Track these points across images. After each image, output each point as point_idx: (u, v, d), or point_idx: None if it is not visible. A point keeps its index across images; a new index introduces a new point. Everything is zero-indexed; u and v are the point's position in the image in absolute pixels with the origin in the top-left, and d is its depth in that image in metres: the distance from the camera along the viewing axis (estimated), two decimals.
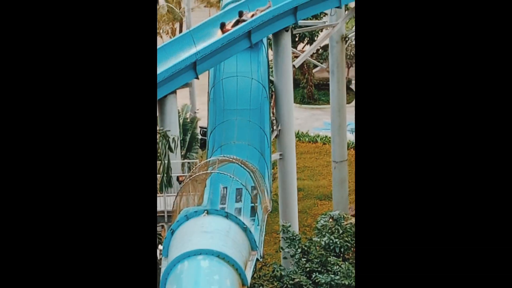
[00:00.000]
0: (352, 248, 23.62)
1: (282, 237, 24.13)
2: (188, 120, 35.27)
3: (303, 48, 48.46)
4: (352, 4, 33.03)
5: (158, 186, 22.49)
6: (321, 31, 40.19)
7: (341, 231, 23.43)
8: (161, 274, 17.60)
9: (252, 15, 26.65)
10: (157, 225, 23.29)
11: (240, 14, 26.66)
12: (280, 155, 28.40)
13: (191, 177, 22.22)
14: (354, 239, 23.70)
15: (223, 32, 26.04)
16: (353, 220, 26.61)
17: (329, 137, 38.36)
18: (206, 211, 19.13)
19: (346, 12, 33.11)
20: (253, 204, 22.73)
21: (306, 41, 48.53)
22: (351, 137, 41.20)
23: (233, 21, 26.63)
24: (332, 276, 20.95)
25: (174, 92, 24.69)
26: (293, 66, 29.87)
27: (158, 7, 56.71)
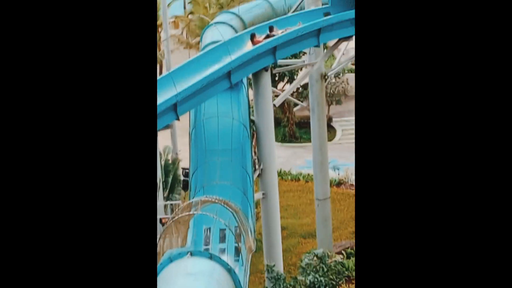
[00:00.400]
0: (336, 286, 23.58)
1: (267, 277, 24.05)
2: (170, 162, 35.28)
3: (283, 87, 48.67)
4: (331, 43, 33.27)
5: None
6: (301, 69, 40.36)
7: (325, 269, 23.41)
8: None
9: (282, 32, 27.32)
10: None
11: (271, 29, 27.27)
12: (263, 194, 28.37)
13: (174, 219, 22.13)
14: (339, 277, 23.69)
15: (253, 43, 26.38)
16: (337, 257, 26.62)
17: (311, 175, 38.39)
18: (189, 253, 19.07)
19: (325, 50, 33.37)
20: (237, 244, 22.63)
21: (286, 80, 48.79)
22: (333, 174, 41.33)
23: (264, 34, 27.06)
24: None
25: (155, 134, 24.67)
26: (274, 105, 29.89)
27: None
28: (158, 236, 22.15)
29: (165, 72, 34.79)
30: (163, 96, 24.50)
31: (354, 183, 42.43)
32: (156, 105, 20.79)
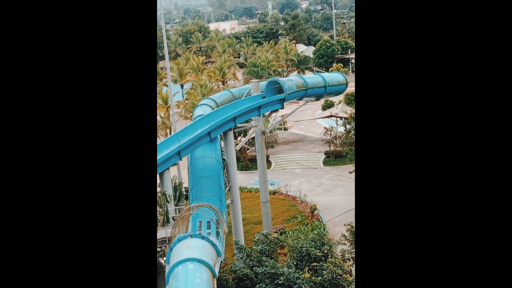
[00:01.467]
0: (275, 251, 23.53)
1: (235, 247, 23.94)
2: (177, 184, 34.94)
3: (240, 139, 48.79)
4: (267, 113, 33.44)
5: (160, 223, 22.19)
6: (250, 129, 40.60)
7: (268, 242, 23.37)
8: (166, 274, 17.29)
9: None
10: (163, 245, 22.92)
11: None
12: (231, 200, 28.36)
13: (180, 216, 22.00)
14: (276, 246, 23.65)
15: None
16: (275, 235, 26.57)
17: (258, 188, 38.46)
18: (190, 236, 18.96)
19: (263, 117, 33.58)
20: (217, 230, 22.54)
21: (242, 135, 48.99)
22: (270, 187, 41.28)
23: None
24: (265, 268, 20.82)
25: (168, 168, 24.63)
26: (235, 149, 30.12)
27: (156, 120, 56.76)
28: (172, 228, 21.95)
29: (172, 133, 34.76)
30: (171, 147, 24.56)
31: (283, 192, 42.47)
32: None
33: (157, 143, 25.01)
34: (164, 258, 20.63)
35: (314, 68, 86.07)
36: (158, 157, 23.54)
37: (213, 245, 18.90)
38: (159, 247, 22.98)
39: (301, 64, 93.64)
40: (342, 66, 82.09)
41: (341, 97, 54.81)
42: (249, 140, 48.70)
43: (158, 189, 24.03)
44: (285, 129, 59.98)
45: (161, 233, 22.86)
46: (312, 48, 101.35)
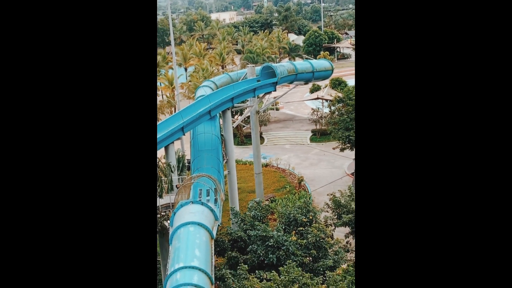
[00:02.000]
0: (266, 217, 23.61)
1: (231, 213, 24.02)
2: (180, 156, 34.83)
3: (237, 117, 48.55)
4: (261, 95, 33.23)
5: (165, 190, 22.17)
6: (246, 109, 40.40)
7: (260, 208, 23.42)
8: (170, 235, 17.31)
9: None
10: (167, 210, 22.94)
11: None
12: (228, 171, 28.33)
13: (183, 185, 21.98)
14: (267, 212, 23.70)
15: None
16: (266, 202, 26.63)
17: (252, 161, 38.38)
18: (191, 202, 18.95)
19: (257, 98, 33.36)
20: (215, 197, 22.58)
21: (238, 114, 48.77)
22: (263, 161, 41.25)
23: None
24: (257, 231, 20.91)
25: (173, 142, 24.52)
26: (232, 126, 29.98)
27: (162, 100, 56.33)
28: (175, 195, 21.92)
29: (177, 111, 34.54)
30: (176, 123, 24.39)
31: (274, 165, 42.47)
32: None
33: (163, 120, 24.86)
34: (168, 222, 20.66)
35: (304, 55, 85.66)
36: (164, 132, 23.40)
37: (212, 210, 18.93)
38: (163, 212, 23.01)
39: (292, 52, 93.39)
40: (329, 54, 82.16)
41: (327, 81, 54.60)
42: (244, 118, 48.35)
43: (164, 161, 23.93)
44: (277, 109, 59.82)
45: (166, 199, 22.87)
46: (302, 38, 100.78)
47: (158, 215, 22.30)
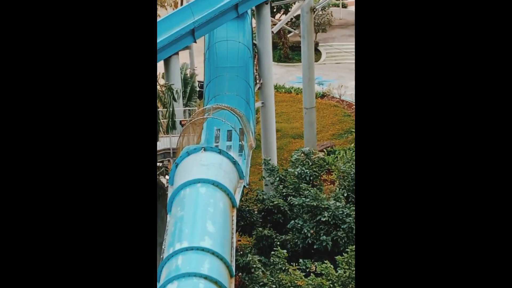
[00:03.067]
0: (319, 177, 23.77)
1: (264, 169, 24.22)
2: (188, 76, 34.95)
3: (279, 17, 47.95)
4: None
5: (163, 129, 22.48)
6: (294, 3, 39.75)
7: (310, 163, 23.56)
8: (168, 198, 17.69)
9: None
10: (165, 159, 23.34)
11: None
12: (262, 103, 28.35)
13: (191, 121, 22.22)
14: (321, 169, 23.86)
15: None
16: (320, 154, 26.75)
17: (301, 89, 38.22)
18: (203, 148, 19.15)
19: None
20: (240, 143, 22.76)
21: (282, 12, 48.14)
22: (318, 88, 41.09)
23: None
24: (304, 199, 21.09)
25: (177, 53, 24.55)
26: (272, 32, 29.68)
27: None
28: (178, 137, 22.24)
29: (185, 3, 34.24)
30: (183, 23, 24.29)
31: (335, 96, 42.28)
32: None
33: (163, 17, 24.80)
34: (167, 177, 21.03)
35: None
36: (163, 37, 23.38)
37: (234, 163, 19.12)
38: (160, 161, 23.41)
39: None
40: None
41: None
42: (291, 19, 47.84)
43: (162, 82, 24.07)
44: (344, 6, 58.52)
45: (164, 142, 23.18)
46: None
47: None
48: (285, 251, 19.03)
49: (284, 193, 22.15)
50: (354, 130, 37.63)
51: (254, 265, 18.62)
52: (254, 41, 28.46)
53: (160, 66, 25.07)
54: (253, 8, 28.20)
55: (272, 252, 19.14)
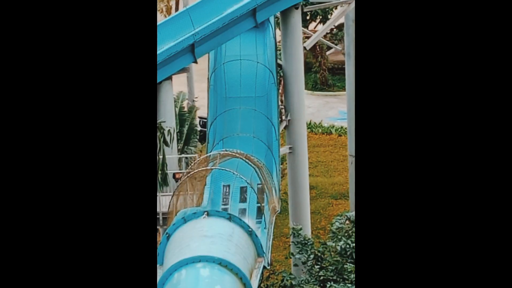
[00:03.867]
0: None
1: (293, 242, 24.21)
2: (186, 110, 35.43)
3: (315, 27, 48.54)
4: None
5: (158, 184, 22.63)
6: (336, 8, 40.17)
7: None
8: (157, 284, 17.64)
9: None
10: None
11: None
12: (290, 148, 28.46)
13: (189, 174, 22.25)
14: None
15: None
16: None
17: (345, 128, 38.44)
18: (206, 213, 19.19)
19: None
20: (259, 204, 22.74)
21: (319, 19, 48.66)
22: None
23: None
24: (349, 285, 21.03)
25: (170, 78, 24.74)
26: (304, 48, 29.87)
27: None
28: (171, 196, 22.30)
29: (182, 8, 34.65)
30: (179, 36, 24.54)
31: None
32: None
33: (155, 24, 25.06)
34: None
35: None
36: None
37: (251, 233, 19.14)
38: None
39: None
40: None
41: None
42: (332, 29, 48.31)
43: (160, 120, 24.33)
44: None
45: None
46: None
47: None
48: None
49: (322, 277, 22.12)
50: None
51: None
52: (279, 61, 28.65)
53: None
54: (278, 15, 28.45)
55: None
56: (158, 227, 23.12)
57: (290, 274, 22.98)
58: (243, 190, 23.34)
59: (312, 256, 22.92)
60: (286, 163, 29.64)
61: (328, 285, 21.58)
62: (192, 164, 23.94)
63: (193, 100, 39.33)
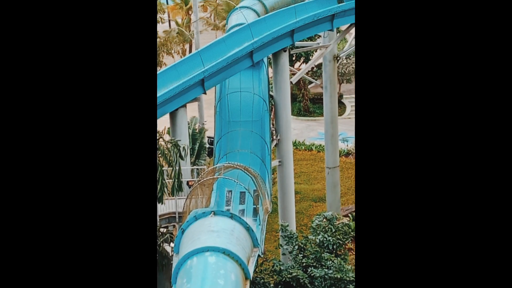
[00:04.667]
0: (343, 245, 23.59)
1: (281, 235, 24.08)
2: (197, 131, 35.31)
3: (299, 66, 48.54)
4: (343, 27, 33.04)
5: (169, 190, 22.51)
6: (316, 51, 40.22)
7: (334, 230, 23.42)
8: (173, 269, 17.60)
9: None
10: (169, 224, 23.30)
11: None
12: (279, 161, 28.41)
13: (199, 182, 22.21)
14: (345, 237, 23.69)
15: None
16: (344, 220, 26.62)
17: (323, 146, 38.45)
18: (213, 212, 19.12)
19: (338, 34, 33.16)
20: (255, 206, 22.69)
21: (302, 60, 48.73)
22: (342, 145, 41.26)
23: None
24: (326, 270, 20.93)
25: (184, 106, 24.71)
26: (291, 82, 29.90)
27: (170, 30, 56.91)
28: (185, 199, 22.26)
29: (194, 51, 34.73)
30: (192, 72, 24.54)
31: None
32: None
33: (170, 65, 25.05)
34: (172, 245, 20.99)
35: None
36: (170, 87, 23.59)
37: (248, 229, 19.06)
38: (164, 227, 23.38)
39: None
40: None
41: None
42: (313, 68, 48.38)
43: (167, 138, 24.25)
44: None
45: (169, 205, 23.20)
46: None
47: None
48: None
49: (304, 264, 21.98)
50: None
51: None
52: (270, 93, 28.67)
53: (166, 120, 25.27)
54: (270, 56, 28.51)
55: None
56: (175, 223, 23.05)
57: (279, 261, 22.87)
58: (242, 195, 23.26)
59: (296, 247, 22.82)
60: (276, 173, 29.57)
61: (309, 270, 21.50)
62: (202, 174, 23.89)
63: (203, 123, 39.21)
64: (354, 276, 20.38)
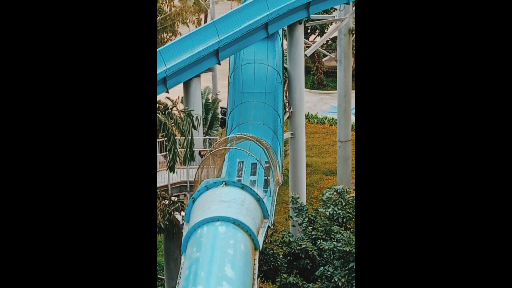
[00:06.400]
0: (353, 219, 23.58)
1: (291, 207, 24.14)
2: (210, 101, 35.19)
3: (314, 39, 48.23)
4: None
5: (181, 159, 22.54)
6: (331, 24, 39.95)
7: (344, 203, 23.39)
8: (183, 238, 17.67)
9: None
10: (181, 193, 23.36)
11: None
12: (292, 134, 28.38)
13: (211, 152, 22.24)
14: (355, 211, 23.69)
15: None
16: (354, 194, 26.57)
17: (336, 119, 38.28)
18: (224, 183, 19.16)
19: (354, 8, 32.89)
20: (266, 177, 22.72)
21: (317, 33, 48.37)
22: (355, 119, 41.12)
23: None
24: (335, 243, 20.92)
25: (198, 76, 24.71)
26: (305, 55, 29.83)
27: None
28: (197, 168, 22.30)
29: (209, 21, 34.54)
30: (206, 42, 24.50)
31: None
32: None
33: (184, 35, 25.00)
34: (183, 213, 21.06)
35: None
36: (184, 56, 23.58)
37: (258, 200, 19.10)
38: (175, 195, 23.43)
39: None
40: None
41: None
42: (327, 41, 48.08)
43: (180, 107, 24.24)
44: None
45: (180, 174, 23.24)
46: None
47: (166, 201, 22.76)
48: None
49: (313, 236, 22.00)
50: None
51: None
52: (284, 65, 28.58)
53: (180, 90, 25.24)
54: (285, 28, 28.38)
55: None
56: (186, 192, 23.10)
57: (289, 232, 22.92)
58: (253, 166, 23.31)
59: (306, 219, 22.84)
60: (288, 146, 29.56)
61: (318, 242, 21.53)
62: (214, 144, 23.91)
63: (216, 94, 39.07)
64: None
